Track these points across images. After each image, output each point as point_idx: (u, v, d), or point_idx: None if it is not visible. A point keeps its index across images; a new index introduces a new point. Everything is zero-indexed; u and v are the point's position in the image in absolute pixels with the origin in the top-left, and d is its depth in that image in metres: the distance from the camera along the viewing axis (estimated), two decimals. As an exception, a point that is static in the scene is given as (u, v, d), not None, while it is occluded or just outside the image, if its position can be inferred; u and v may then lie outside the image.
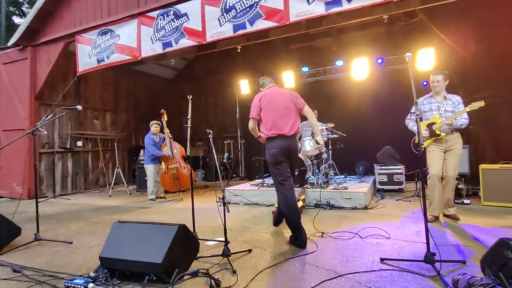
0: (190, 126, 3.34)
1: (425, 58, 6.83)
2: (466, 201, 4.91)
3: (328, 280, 2.30)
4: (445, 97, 3.90)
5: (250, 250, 3.02)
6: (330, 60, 8.38)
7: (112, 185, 7.92)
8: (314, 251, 2.95)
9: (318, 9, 4.72)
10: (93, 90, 9.10)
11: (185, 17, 5.70)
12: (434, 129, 3.81)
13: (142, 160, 8.46)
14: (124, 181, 8.27)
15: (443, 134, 3.77)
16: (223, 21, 5.36)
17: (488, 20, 7.48)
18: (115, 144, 8.95)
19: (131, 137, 10.34)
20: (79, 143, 8.51)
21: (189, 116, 3.34)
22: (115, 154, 8.76)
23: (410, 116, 4.07)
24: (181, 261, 2.42)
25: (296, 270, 2.52)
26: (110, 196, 7.41)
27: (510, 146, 7.57)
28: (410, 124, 4.09)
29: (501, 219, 3.94)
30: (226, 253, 2.72)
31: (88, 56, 6.84)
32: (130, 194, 7.66)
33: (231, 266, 2.55)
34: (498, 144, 7.71)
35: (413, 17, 6.59)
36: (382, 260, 2.63)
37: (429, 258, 2.38)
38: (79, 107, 3.91)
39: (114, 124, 9.71)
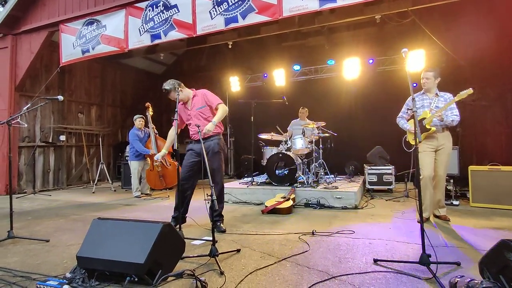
0: (177, 118, 3.19)
1: (416, 60, 6.85)
2: (455, 202, 4.90)
3: (321, 282, 2.20)
4: (436, 94, 3.87)
5: (238, 250, 2.89)
6: (322, 59, 8.33)
7: (96, 182, 7.65)
8: (306, 251, 2.84)
9: (312, 5, 4.62)
10: (78, 82, 8.79)
11: (175, 8, 5.52)
12: (424, 124, 3.73)
13: (127, 156, 8.21)
14: (108, 177, 8.00)
15: (433, 128, 3.68)
16: (214, 14, 5.21)
17: (478, 24, 7.58)
18: (100, 139, 8.66)
19: (117, 132, 10.05)
20: (62, 137, 8.19)
21: (177, 109, 3.18)
22: (99, 149, 8.47)
23: (402, 114, 4.07)
24: (165, 262, 2.27)
25: (287, 272, 2.40)
26: (93, 192, 7.15)
27: (495, 148, 7.71)
28: (401, 122, 4.05)
29: (490, 220, 3.93)
30: (213, 253, 2.58)
31: (73, 46, 6.57)
32: (115, 191, 7.41)
33: (219, 267, 2.41)
34: (484, 146, 7.84)
35: (405, 18, 6.58)
36: (375, 261, 2.54)
37: (424, 259, 2.30)
38: (60, 97, 3.68)
39: (99, 119, 9.41)
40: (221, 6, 5.13)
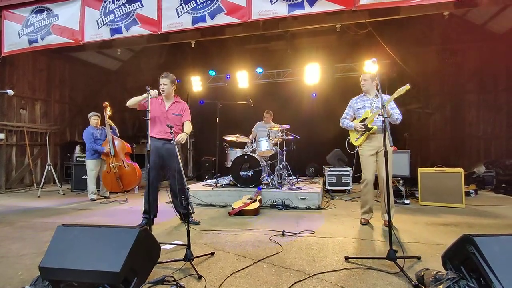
0: (149, 119, 3.05)
1: (369, 68, 7.31)
2: (406, 201, 5.33)
3: (300, 281, 2.26)
4: (376, 95, 3.86)
5: (213, 253, 2.85)
6: (284, 63, 8.54)
7: (41, 184, 6.97)
8: (280, 252, 2.89)
9: (281, 10, 4.71)
10: (21, 75, 7.96)
11: (139, 3, 5.26)
12: (366, 123, 3.77)
13: (78, 156, 7.67)
14: (56, 179, 7.35)
15: (375, 127, 3.72)
16: (181, 11, 5.07)
17: (421, 39, 8.36)
18: (46, 138, 7.94)
19: (65, 131, 9.26)
20: (1, 136, 7.36)
21: (148, 108, 3.05)
22: (45, 149, 7.76)
23: (345, 115, 4.08)
24: (141, 268, 2.15)
25: (265, 273, 2.43)
26: (38, 196, 6.51)
27: (437, 151, 8.56)
28: (345, 122, 4.04)
29: (438, 217, 4.34)
30: (188, 257, 2.52)
31: (18, 35, 5.94)
32: (64, 194, 6.83)
33: (196, 271, 2.36)
34: (427, 149, 8.66)
35: (363, 29, 7.01)
36: (346, 258, 2.67)
37: (391, 255, 2.47)
38: (10, 92, 3.33)
39: (45, 116, 8.61)
40: (189, 4, 5.01)
